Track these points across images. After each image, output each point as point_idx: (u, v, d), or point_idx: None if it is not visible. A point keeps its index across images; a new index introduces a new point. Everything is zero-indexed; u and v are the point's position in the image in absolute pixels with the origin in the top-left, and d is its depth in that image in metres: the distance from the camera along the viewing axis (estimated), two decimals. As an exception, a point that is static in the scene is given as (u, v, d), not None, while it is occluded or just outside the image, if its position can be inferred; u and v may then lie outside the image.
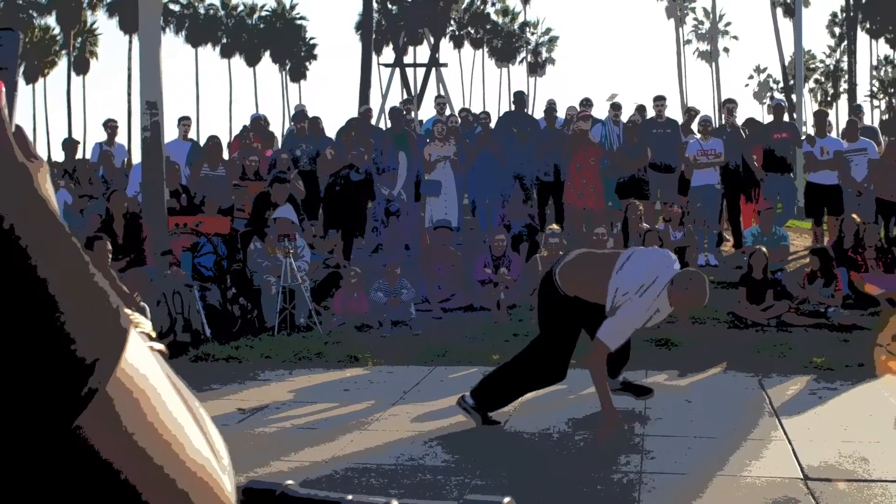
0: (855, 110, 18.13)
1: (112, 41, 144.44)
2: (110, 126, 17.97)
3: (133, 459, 0.55)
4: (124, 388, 0.56)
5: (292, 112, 19.49)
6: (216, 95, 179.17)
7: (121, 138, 19.66)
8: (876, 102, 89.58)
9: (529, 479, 6.54)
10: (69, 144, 18.19)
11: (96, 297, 0.57)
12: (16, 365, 0.51)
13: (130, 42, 76.27)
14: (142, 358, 0.59)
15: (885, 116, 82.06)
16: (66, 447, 0.53)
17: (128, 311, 0.61)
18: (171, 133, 15.39)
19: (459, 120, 17.37)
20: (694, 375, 9.60)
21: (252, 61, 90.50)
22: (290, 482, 0.91)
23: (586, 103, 17.06)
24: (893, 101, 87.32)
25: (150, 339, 0.71)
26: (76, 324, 0.54)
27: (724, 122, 16.82)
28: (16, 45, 0.64)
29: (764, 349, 10.64)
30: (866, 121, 21.51)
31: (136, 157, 19.12)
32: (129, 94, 72.25)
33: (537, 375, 7.73)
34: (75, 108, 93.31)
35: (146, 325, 0.75)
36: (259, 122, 18.49)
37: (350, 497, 0.88)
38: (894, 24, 79.71)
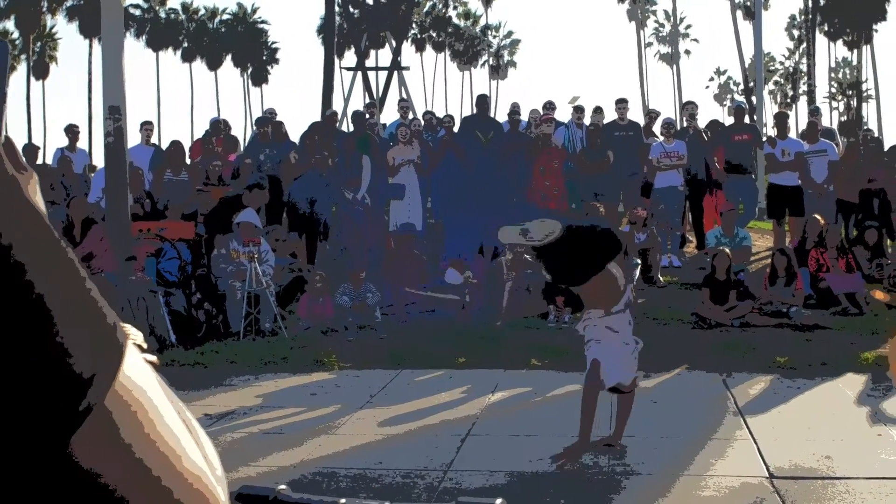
0: (814, 112, 18.24)
1: (72, 45, 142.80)
2: (72, 131, 17.84)
3: (131, 472, 0.56)
4: (122, 401, 0.56)
5: (259, 116, 19.41)
6: (177, 100, 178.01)
7: (81, 143, 19.52)
8: (834, 104, 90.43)
9: (497, 480, 6.56)
10: (29, 150, 18.00)
11: (93, 310, 0.57)
12: (13, 379, 0.51)
13: (91, 46, 75.70)
14: (138, 370, 0.59)
15: (844, 118, 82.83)
16: (65, 461, 0.53)
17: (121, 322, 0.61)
18: (132, 138, 15.30)
19: (423, 123, 17.35)
20: (659, 376, 9.66)
21: (213, 65, 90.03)
22: (282, 487, 0.92)
23: (549, 106, 17.08)
24: (852, 102, 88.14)
25: (142, 350, 0.71)
26: (74, 338, 0.54)
27: (685, 124, 16.92)
28: (4, 58, 0.63)
29: (727, 349, 10.72)
30: (825, 122, 21.69)
31: (97, 163, 18.99)
32: (90, 99, 71.72)
33: None
34: (35, 113, 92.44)
35: (138, 336, 0.75)
36: (219, 126, 18.37)
37: (343, 501, 0.89)
38: (852, 26, 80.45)
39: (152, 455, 0.57)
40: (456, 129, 17.12)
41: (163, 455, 0.58)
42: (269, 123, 17.03)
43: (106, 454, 0.55)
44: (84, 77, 77.90)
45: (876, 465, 6.73)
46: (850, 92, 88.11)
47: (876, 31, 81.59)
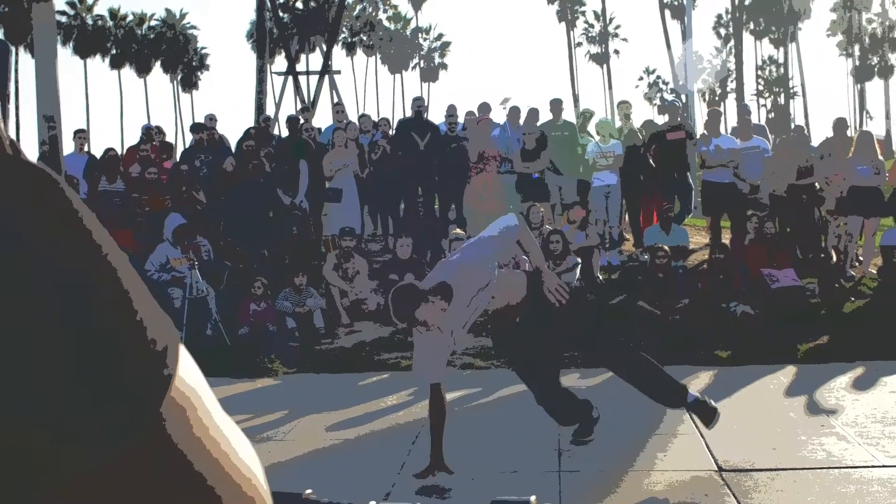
0: (743, 110, 18.47)
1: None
2: (2, 141, 17.55)
3: (187, 477, 0.55)
4: (177, 404, 0.55)
5: (191, 122, 19.22)
6: (106, 107, 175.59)
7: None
8: (762, 101, 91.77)
9: (447, 481, 6.56)
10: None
11: (155, 312, 0.57)
12: (66, 385, 0.49)
13: (17, 54, 74.53)
14: (189, 371, 0.58)
15: (771, 115, 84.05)
16: (119, 467, 0.52)
17: None
18: (66, 147, 15.09)
19: (359, 126, 17.32)
20: (601, 372, 9.71)
21: (142, 72, 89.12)
22: (308, 491, 0.93)
23: (484, 108, 17.16)
24: (779, 99, 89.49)
25: None
26: (138, 343, 0.54)
27: (620, 124, 17.05)
28: (6, 59, 0.64)
29: (668, 344, 10.81)
30: (753, 119, 21.97)
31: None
32: (17, 107, 70.63)
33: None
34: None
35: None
36: (151, 132, 18.17)
37: (372, 503, 0.90)
38: (777, 24, 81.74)
39: (206, 459, 0.56)
40: (391, 132, 17.13)
41: (216, 460, 0.57)
42: (204, 129, 16.89)
43: (161, 459, 0.54)
44: (11, 86, 76.62)
45: (820, 454, 6.85)
46: (777, 89, 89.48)
47: (800, 28, 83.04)
